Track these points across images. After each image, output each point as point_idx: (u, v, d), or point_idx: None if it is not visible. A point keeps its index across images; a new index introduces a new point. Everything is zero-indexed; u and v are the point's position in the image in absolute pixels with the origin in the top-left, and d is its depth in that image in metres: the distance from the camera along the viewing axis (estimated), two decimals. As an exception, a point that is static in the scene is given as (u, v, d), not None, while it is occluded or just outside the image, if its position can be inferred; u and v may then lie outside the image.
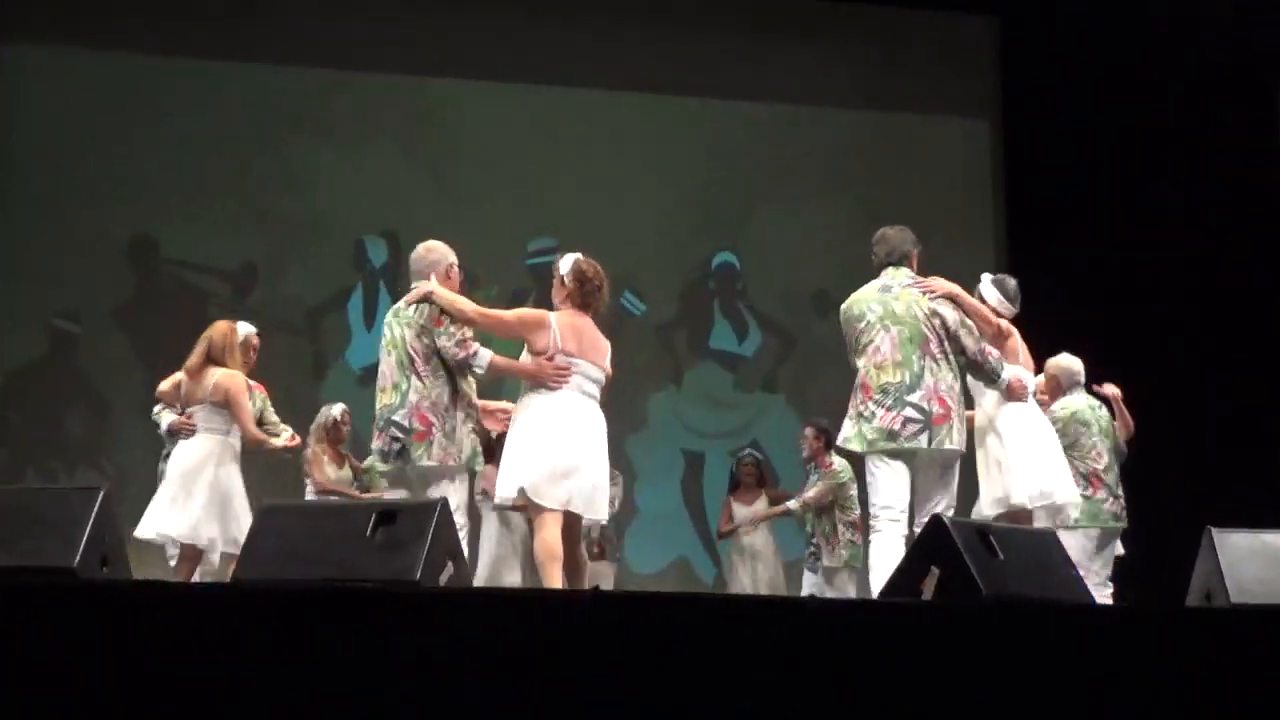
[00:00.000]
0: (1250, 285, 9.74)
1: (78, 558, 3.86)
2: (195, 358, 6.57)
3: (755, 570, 8.72)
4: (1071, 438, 6.92)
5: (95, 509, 3.99)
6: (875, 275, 5.80)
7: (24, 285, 9.81)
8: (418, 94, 10.66)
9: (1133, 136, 10.43)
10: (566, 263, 5.74)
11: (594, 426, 5.58)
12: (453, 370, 5.59)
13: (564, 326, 5.60)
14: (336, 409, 8.17)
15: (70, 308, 9.96)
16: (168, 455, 6.74)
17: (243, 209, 10.26)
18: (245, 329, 6.77)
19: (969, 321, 5.71)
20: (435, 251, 5.84)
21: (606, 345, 5.72)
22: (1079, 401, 7.10)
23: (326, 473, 7.98)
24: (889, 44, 11.05)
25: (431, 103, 10.66)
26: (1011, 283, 6.32)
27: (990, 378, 5.81)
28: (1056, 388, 7.14)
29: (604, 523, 6.47)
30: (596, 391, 5.64)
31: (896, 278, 5.74)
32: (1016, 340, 6.19)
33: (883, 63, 11.04)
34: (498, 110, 10.66)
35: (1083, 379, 7.19)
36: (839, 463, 8.37)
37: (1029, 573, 4.15)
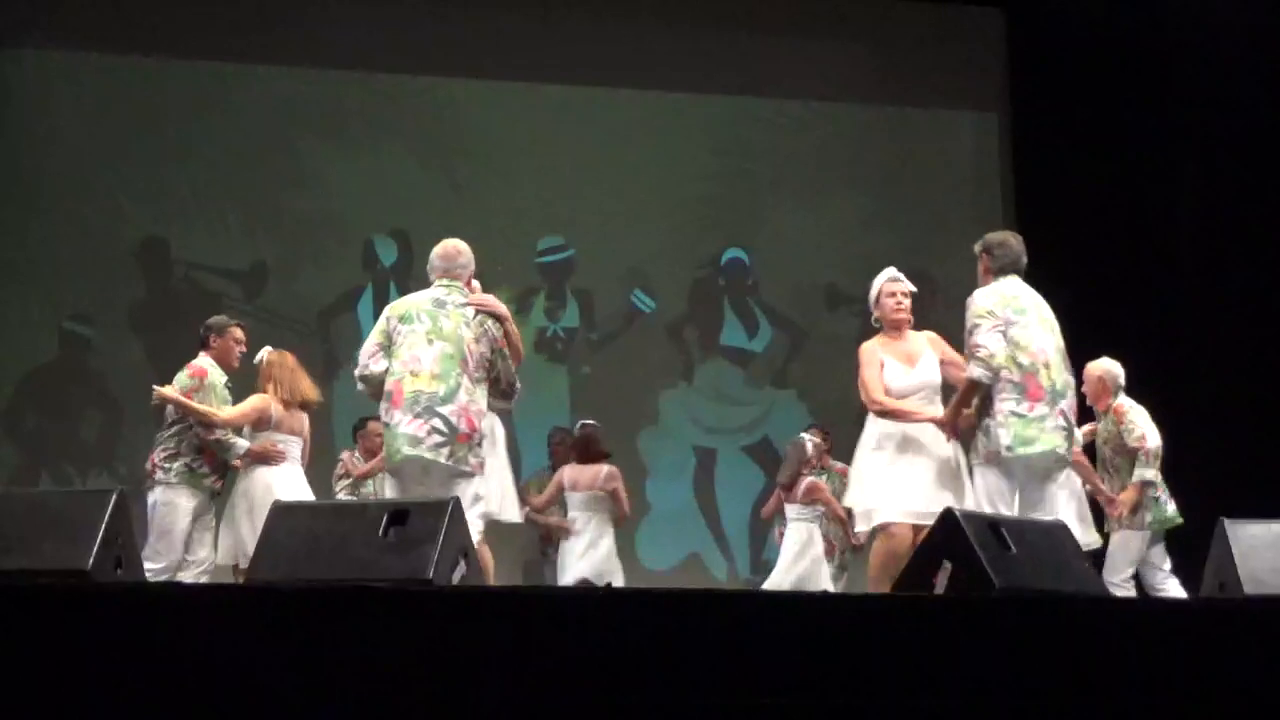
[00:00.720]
0: (1262, 278, 9.72)
1: (91, 560, 3.88)
2: (294, 396, 6.97)
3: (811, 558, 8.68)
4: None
5: (109, 512, 4.02)
6: (984, 278, 5.73)
7: (36, 289, 9.84)
8: (427, 94, 10.66)
9: (1142, 127, 10.41)
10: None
11: None
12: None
13: None
14: None
15: (82, 311, 9.99)
16: (210, 472, 6.81)
17: (253, 210, 10.27)
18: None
19: None
20: (465, 255, 5.81)
21: None
22: (1139, 405, 7.15)
23: None
24: (895, 37, 11.03)
25: (441, 102, 10.66)
26: None
27: None
28: (1104, 390, 7.15)
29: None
30: None
31: (1024, 285, 5.74)
32: None
33: (889, 56, 11.02)
34: (507, 109, 10.66)
35: (1124, 381, 7.23)
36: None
37: (1041, 566, 4.16)
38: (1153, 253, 10.21)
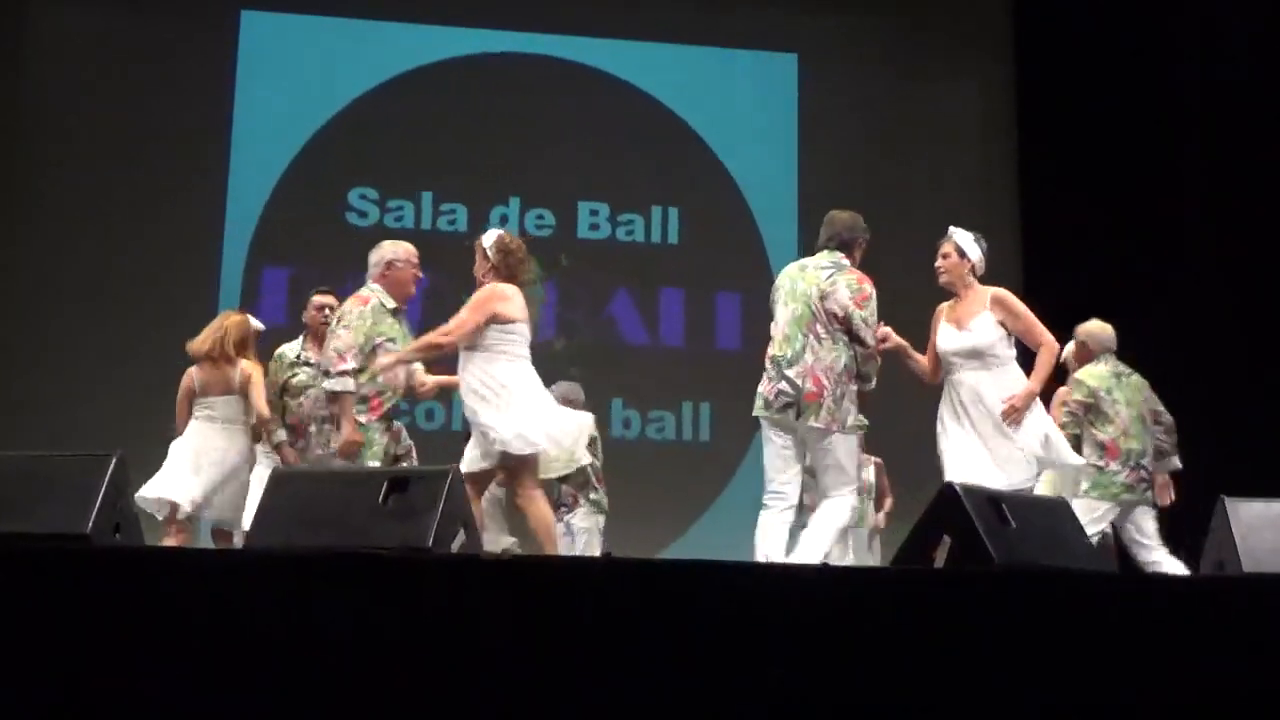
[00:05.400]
0: (1271, 250, 9.69)
1: (90, 524, 3.87)
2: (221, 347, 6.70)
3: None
4: (1094, 403, 6.90)
5: (108, 475, 4.00)
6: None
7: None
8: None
9: (1150, 101, 10.37)
10: (489, 238, 6.00)
11: None
12: None
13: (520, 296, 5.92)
14: None
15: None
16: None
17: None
18: (255, 323, 6.93)
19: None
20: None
21: None
22: (1103, 369, 7.05)
23: None
24: (903, 5, 11.01)
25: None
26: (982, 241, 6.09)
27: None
28: (1086, 354, 7.10)
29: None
30: None
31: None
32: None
33: (895, 25, 10.99)
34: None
35: (1114, 345, 7.14)
36: None
37: (1041, 541, 4.15)
38: (1159, 220, 10.18)
